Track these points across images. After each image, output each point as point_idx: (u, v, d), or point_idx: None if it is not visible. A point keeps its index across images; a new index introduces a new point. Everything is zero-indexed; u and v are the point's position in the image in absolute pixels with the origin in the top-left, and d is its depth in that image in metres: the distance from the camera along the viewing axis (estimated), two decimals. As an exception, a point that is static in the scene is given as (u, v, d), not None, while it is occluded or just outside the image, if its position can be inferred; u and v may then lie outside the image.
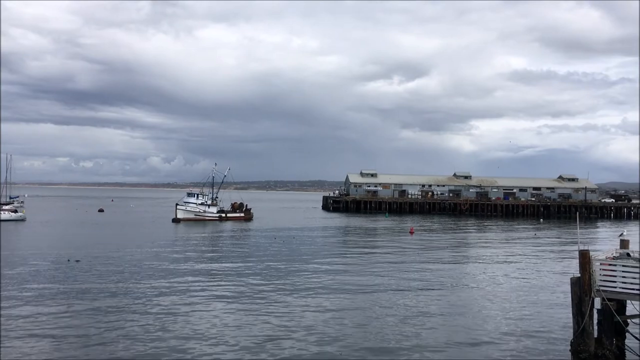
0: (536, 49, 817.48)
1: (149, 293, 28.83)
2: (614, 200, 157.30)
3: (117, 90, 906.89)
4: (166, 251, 47.57)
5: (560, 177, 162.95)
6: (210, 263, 41.08)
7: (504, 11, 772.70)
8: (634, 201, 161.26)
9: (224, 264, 40.40)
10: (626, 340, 19.48)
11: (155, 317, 23.81)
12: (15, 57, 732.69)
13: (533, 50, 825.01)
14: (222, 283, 32.32)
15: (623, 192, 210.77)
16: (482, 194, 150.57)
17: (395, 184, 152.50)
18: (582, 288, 18.70)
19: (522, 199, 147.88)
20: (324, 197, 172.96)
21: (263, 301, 27.42)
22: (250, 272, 36.76)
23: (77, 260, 39.63)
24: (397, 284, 33.34)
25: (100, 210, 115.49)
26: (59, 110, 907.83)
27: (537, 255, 50.93)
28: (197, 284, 31.91)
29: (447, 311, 26.21)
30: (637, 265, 18.63)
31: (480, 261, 45.89)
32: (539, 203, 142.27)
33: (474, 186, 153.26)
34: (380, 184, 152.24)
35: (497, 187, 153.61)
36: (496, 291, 31.86)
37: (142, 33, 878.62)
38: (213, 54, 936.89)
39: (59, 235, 61.01)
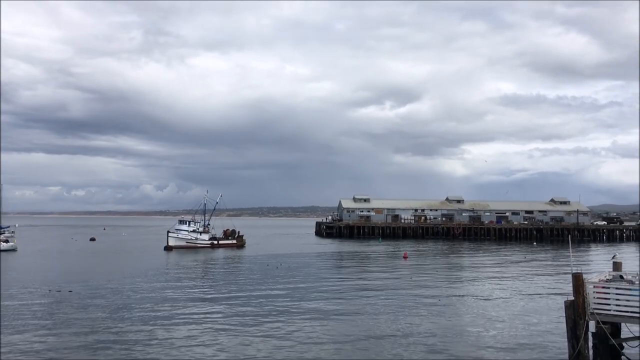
0: (525, 74, 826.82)
1: (137, 325, 28.43)
2: (606, 223, 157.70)
3: (109, 118, 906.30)
4: (157, 281, 47.13)
5: (552, 200, 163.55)
6: (196, 300, 40.62)
7: (492, 37, 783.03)
8: (626, 223, 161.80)
9: (211, 297, 39.89)
10: (622, 364, 19.32)
11: (142, 350, 23.45)
12: (8, 87, 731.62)
13: (522, 75, 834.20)
14: (210, 317, 31.83)
15: (615, 214, 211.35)
16: (475, 218, 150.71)
17: (388, 209, 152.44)
18: (576, 311, 18.60)
19: (515, 223, 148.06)
20: (317, 222, 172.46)
21: (255, 338, 27.10)
22: (239, 305, 36.34)
23: (58, 291, 39.17)
24: (393, 312, 33.08)
25: (92, 239, 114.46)
26: (50, 139, 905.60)
27: (531, 279, 50.81)
28: (185, 317, 31.53)
29: (441, 335, 25.95)
30: (631, 287, 18.60)
31: (474, 286, 45.69)
32: (531, 226, 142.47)
33: (466, 210, 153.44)
34: (373, 209, 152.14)
35: (490, 211, 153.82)
36: (490, 316, 31.65)
37: (134, 62, 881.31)
38: (205, 82, 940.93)
39: (49, 265, 60.32)
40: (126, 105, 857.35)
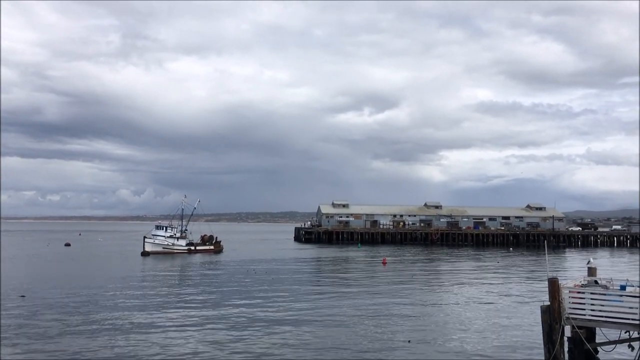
0: (501, 82, 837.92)
1: (96, 333, 27.91)
2: (580, 229, 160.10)
3: (86, 122, 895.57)
4: (129, 287, 46.44)
5: (528, 206, 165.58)
6: (167, 307, 40.14)
7: (469, 45, 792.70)
8: (600, 229, 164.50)
9: (181, 308, 39.45)
10: (597, 368, 19.45)
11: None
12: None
13: (498, 83, 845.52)
14: (178, 332, 31.48)
15: (589, 220, 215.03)
16: (453, 224, 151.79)
17: (367, 215, 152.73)
18: (552, 316, 18.69)
19: (492, 228, 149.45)
20: (296, 228, 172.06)
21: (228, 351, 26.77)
22: (212, 314, 35.97)
23: (22, 296, 38.40)
24: (370, 319, 33.01)
25: (67, 245, 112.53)
26: (25, 143, 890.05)
27: (507, 285, 51.20)
28: (148, 329, 31.06)
29: (416, 341, 25.93)
30: (605, 292, 18.76)
31: (451, 292, 45.89)
32: (508, 232, 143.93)
33: (444, 216, 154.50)
34: (351, 214, 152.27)
35: (468, 217, 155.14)
36: (467, 321, 31.75)
37: (112, 65, 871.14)
38: (184, 86, 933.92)
39: (21, 271, 59.01)
40: (103, 109, 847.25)
